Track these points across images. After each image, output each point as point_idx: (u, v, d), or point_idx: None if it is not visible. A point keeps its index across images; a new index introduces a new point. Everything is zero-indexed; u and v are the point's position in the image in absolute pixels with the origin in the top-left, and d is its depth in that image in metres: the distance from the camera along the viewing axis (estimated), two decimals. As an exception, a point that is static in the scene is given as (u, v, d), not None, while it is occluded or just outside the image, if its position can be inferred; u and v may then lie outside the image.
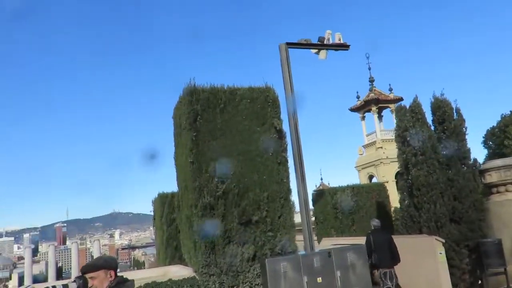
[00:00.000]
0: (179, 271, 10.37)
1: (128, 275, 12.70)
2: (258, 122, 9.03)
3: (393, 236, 9.08)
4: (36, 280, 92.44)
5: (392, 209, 17.53)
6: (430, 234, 9.90)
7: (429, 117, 11.22)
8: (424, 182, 10.45)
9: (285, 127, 9.42)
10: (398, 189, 11.49)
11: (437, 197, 10.32)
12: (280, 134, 9.19)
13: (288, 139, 9.36)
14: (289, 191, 9.02)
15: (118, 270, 3.43)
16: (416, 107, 11.17)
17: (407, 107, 11.24)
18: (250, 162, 8.74)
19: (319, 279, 7.80)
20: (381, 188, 17.61)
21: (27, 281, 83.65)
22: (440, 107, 10.98)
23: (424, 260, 9.43)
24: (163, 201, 13.51)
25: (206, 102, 8.69)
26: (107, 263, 3.23)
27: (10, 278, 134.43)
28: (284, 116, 9.47)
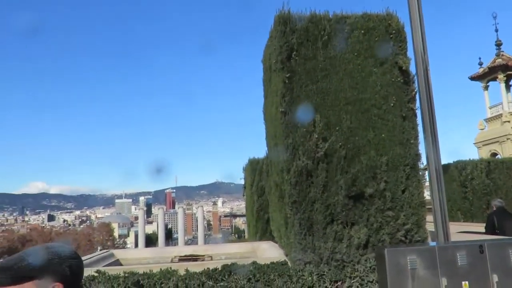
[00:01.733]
0: (268, 250, 8.57)
1: (217, 248, 11.34)
2: (375, 60, 6.56)
3: None
4: (148, 238, 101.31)
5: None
6: None
7: None
8: None
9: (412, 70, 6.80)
10: None
11: None
12: (407, 77, 6.61)
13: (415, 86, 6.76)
14: (417, 156, 6.49)
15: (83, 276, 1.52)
16: None
17: None
18: (363, 114, 6.37)
19: (465, 284, 5.31)
20: (528, 163, 13.77)
21: (141, 239, 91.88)
22: None
23: None
24: (254, 168, 11.82)
25: (304, 34, 6.46)
26: (41, 266, 1.32)
27: (128, 235, 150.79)
28: (410, 54, 6.84)
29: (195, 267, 6.29)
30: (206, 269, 6.12)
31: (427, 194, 6.67)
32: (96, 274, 5.92)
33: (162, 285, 5.68)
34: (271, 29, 7.08)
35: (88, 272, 6.04)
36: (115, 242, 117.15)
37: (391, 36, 6.69)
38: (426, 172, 6.45)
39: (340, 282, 5.87)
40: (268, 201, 10.15)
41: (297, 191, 6.04)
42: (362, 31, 6.60)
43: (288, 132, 6.19)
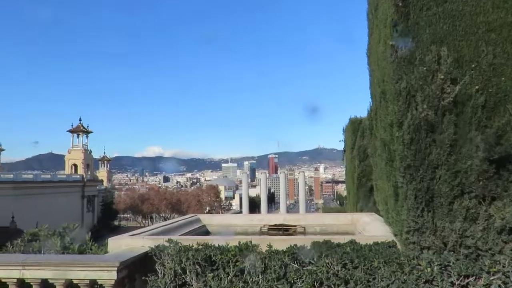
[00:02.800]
0: (372, 225, 7.14)
1: (311, 218, 10.10)
2: (534, -34, 4.50)
3: None
4: (252, 201, 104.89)
5: None
6: None
7: None
8: None
9: None
10: None
11: None
12: None
13: None
14: None
15: None
16: None
17: None
18: (514, 45, 4.45)
19: None
20: None
21: (245, 201, 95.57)
22: None
23: None
24: (355, 128, 10.23)
25: None
26: None
27: (233, 198, 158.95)
28: None
29: (281, 243, 5.21)
30: (291, 246, 4.99)
31: None
32: (167, 244, 5.17)
33: (237, 263, 4.70)
34: None
35: (159, 241, 5.34)
36: (221, 204, 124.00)
37: None
38: None
39: (474, 277, 4.27)
40: (372, 166, 8.65)
41: (412, 152, 4.49)
42: None
43: (400, 73, 4.59)
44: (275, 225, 8.44)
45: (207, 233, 8.20)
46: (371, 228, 6.75)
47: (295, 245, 5.07)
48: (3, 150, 73.33)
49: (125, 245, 5.40)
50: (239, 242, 5.14)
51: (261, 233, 8.40)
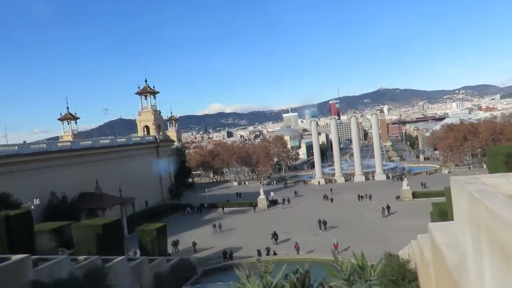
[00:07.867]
0: None
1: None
2: None
3: None
4: (320, 149, 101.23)
5: None
6: None
7: None
8: None
9: None
10: None
11: None
12: None
13: None
14: None
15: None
16: None
17: None
18: None
19: None
20: None
21: (316, 149, 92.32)
22: None
23: None
24: None
25: None
26: None
27: (299, 147, 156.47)
28: None
29: None
30: None
31: None
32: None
33: None
34: None
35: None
36: (289, 154, 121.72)
37: None
38: None
39: None
40: None
41: None
42: None
43: None
44: None
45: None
46: None
47: None
48: (79, 118, 75.33)
49: None
50: None
51: None
